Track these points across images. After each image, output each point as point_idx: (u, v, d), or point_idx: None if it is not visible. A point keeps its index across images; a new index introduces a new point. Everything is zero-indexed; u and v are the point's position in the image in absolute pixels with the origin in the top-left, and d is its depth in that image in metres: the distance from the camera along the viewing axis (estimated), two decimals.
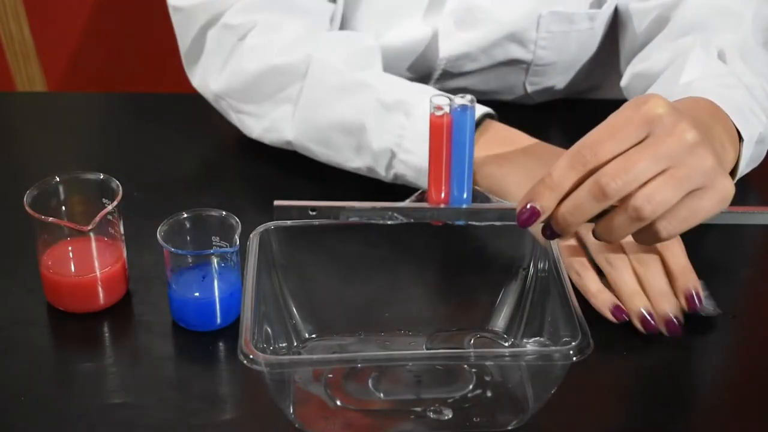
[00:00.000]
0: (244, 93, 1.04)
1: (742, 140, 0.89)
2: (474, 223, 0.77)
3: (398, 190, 0.98)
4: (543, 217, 0.73)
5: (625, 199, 0.72)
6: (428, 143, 0.74)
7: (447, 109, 0.73)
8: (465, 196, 0.76)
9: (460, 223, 0.77)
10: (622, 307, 0.85)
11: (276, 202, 0.76)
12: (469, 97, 0.74)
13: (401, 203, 0.76)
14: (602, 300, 0.86)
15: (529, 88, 1.18)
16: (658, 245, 0.85)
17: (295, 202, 0.76)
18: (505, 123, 0.97)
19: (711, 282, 0.89)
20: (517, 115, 0.99)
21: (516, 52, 1.13)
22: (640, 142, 0.72)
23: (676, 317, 0.84)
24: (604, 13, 1.12)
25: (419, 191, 0.76)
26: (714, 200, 0.74)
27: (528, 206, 0.73)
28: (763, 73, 0.97)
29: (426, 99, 0.83)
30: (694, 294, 0.85)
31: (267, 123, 1.04)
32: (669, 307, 0.85)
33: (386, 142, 0.96)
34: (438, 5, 1.10)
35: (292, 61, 1.01)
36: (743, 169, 0.92)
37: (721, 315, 0.87)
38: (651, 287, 0.85)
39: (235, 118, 1.07)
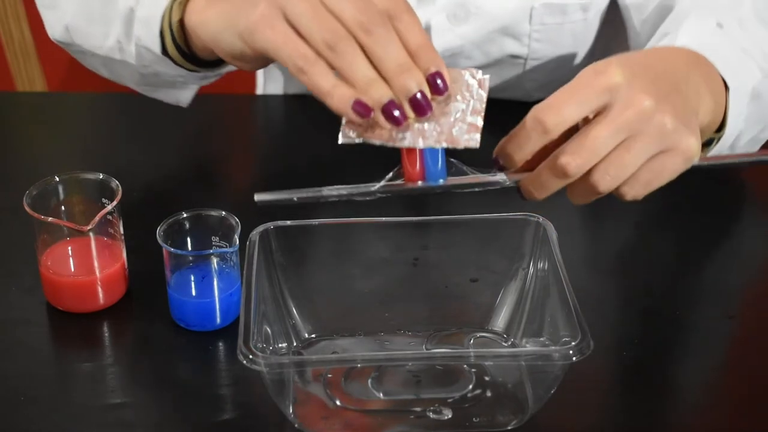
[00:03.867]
0: None
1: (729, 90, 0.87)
2: (454, 183, 0.76)
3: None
4: (512, 170, 0.75)
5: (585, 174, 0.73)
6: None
7: None
8: (440, 167, 0.74)
9: (439, 183, 0.75)
10: (365, 101, 0.71)
11: (257, 197, 0.75)
12: None
13: (379, 183, 0.75)
14: (339, 97, 0.71)
15: (528, 85, 1.18)
16: (386, 17, 0.72)
17: (275, 195, 0.75)
18: (506, 121, 0.94)
19: (711, 281, 0.89)
20: (521, 114, 0.98)
21: (511, 46, 1.13)
22: (598, 112, 0.73)
23: (421, 92, 0.71)
24: (598, 4, 1.11)
25: (396, 168, 0.75)
26: (677, 162, 0.74)
27: (496, 158, 0.75)
28: (761, 41, 0.95)
29: None
30: (437, 76, 0.72)
31: (49, 2, 1.00)
32: (413, 82, 0.71)
33: (128, 1, 0.92)
34: (428, 1, 1.09)
35: None
36: (738, 125, 0.88)
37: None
38: (386, 68, 0.71)
39: (43, 16, 1.04)
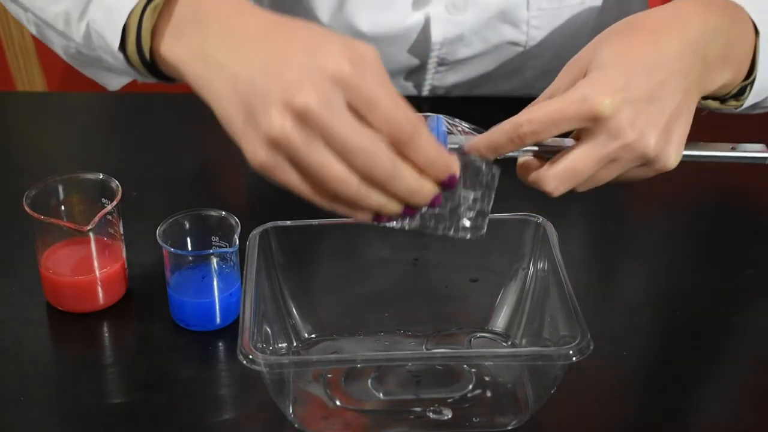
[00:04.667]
0: None
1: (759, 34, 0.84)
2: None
3: None
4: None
5: None
6: None
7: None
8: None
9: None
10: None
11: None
12: None
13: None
14: (359, 218, 0.70)
15: (529, 74, 1.18)
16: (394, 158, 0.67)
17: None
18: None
19: (711, 281, 0.89)
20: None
21: (509, 33, 1.13)
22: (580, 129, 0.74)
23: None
24: None
25: None
26: (648, 172, 0.77)
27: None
28: None
29: None
30: (450, 179, 0.69)
31: None
32: (425, 199, 0.69)
33: None
34: None
35: None
36: None
37: None
38: (398, 195, 0.69)
39: None
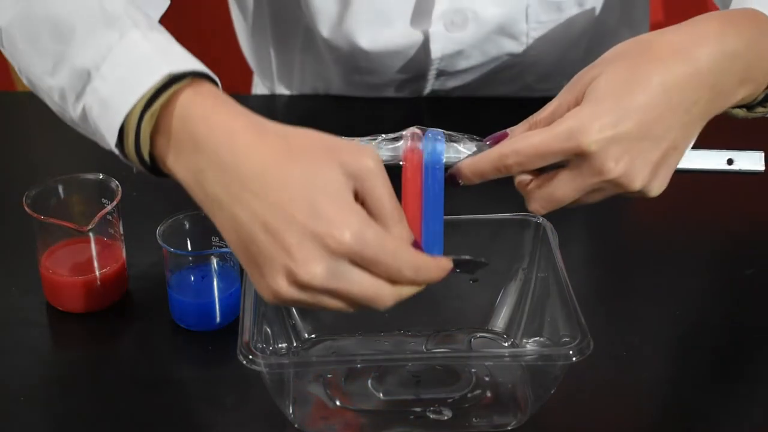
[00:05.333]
0: None
1: None
2: None
3: None
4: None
5: None
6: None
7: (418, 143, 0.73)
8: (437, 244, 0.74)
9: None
10: None
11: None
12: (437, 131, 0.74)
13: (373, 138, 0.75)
14: None
15: (529, 78, 1.18)
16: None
17: None
18: (508, 121, 0.92)
19: (712, 281, 0.89)
20: (520, 114, 0.98)
21: (509, 45, 1.13)
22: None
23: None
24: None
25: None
26: (628, 197, 0.75)
27: (452, 175, 0.75)
28: None
29: (149, 25, 0.73)
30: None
31: None
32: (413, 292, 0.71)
33: (88, 61, 0.73)
34: (426, 10, 1.09)
35: None
36: None
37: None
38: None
39: None
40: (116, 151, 0.71)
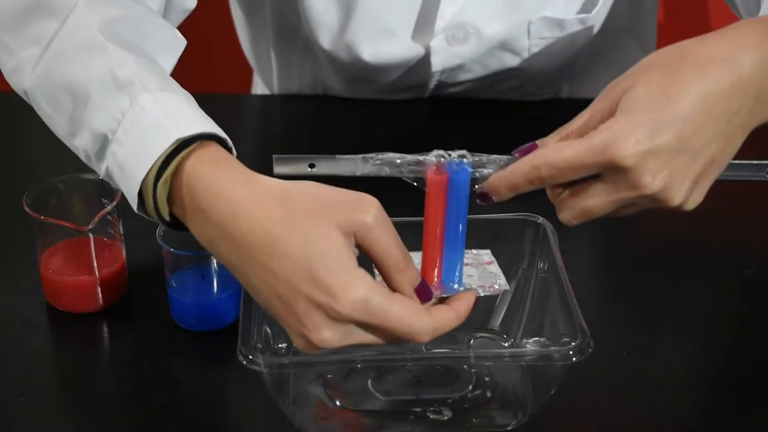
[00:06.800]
0: (7, 17, 0.85)
1: None
2: None
3: None
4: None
5: None
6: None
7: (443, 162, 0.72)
8: (455, 285, 0.74)
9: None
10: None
11: (275, 157, 0.73)
12: (460, 152, 0.73)
13: (400, 157, 0.73)
14: None
15: (530, 87, 1.18)
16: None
17: (293, 156, 0.74)
18: (509, 122, 0.93)
19: (712, 281, 0.89)
20: (522, 113, 0.98)
21: (510, 60, 1.13)
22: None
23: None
24: (596, 17, 1.11)
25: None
26: (661, 210, 0.72)
27: (484, 193, 0.74)
28: None
29: (159, 86, 0.75)
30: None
31: (15, 62, 0.85)
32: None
33: (104, 125, 0.76)
34: (428, 24, 1.10)
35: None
36: None
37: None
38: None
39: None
40: (142, 214, 0.74)
